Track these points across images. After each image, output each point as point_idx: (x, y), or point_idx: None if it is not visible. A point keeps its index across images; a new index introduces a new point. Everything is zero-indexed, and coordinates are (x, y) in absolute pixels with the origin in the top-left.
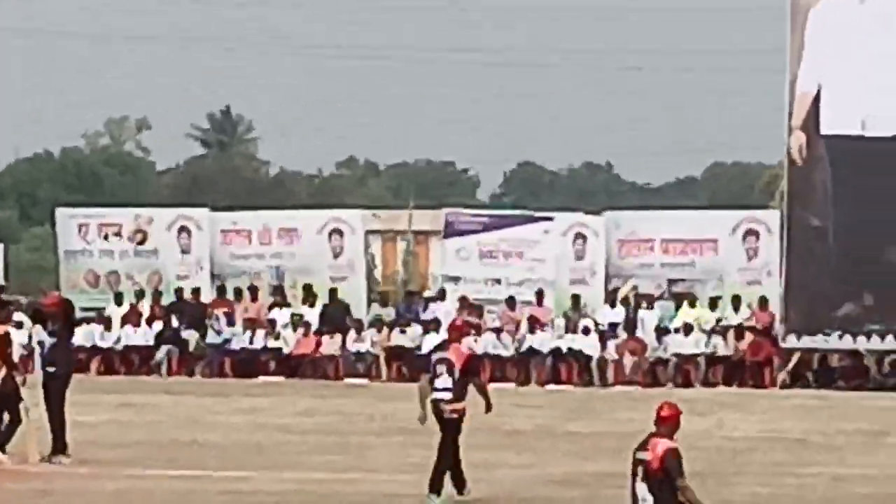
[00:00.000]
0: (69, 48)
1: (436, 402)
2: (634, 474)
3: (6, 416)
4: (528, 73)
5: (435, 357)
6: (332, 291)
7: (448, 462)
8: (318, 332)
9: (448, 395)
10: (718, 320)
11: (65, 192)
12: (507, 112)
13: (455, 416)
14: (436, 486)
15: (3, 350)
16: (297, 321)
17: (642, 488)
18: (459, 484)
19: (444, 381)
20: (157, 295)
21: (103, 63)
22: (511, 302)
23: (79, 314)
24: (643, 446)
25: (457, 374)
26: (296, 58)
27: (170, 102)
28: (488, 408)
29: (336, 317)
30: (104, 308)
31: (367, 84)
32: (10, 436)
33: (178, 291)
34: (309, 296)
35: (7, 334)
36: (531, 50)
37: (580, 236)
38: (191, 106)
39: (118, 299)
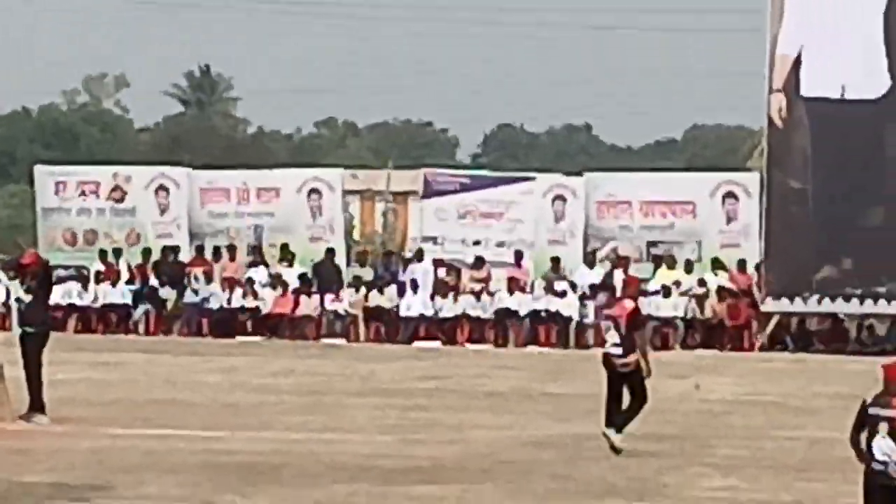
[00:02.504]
0: (48, 4)
1: (607, 356)
2: (872, 431)
3: None
4: (507, 34)
5: (604, 314)
6: (329, 251)
7: (619, 403)
8: (296, 292)
9: (619, 350)
10: (702, 282)
11: (43, 149)
12: (486, 73)
13: (627, 368)
14: (614, 422)
15: None
16: (275, 281)
17: (886, 443)
18: (620, 424)
19: (612, 336)
20: (147, 254)
21: (82, 20)
22: (479, 262)
23: (57, 272)
24: (884, 404)
25: (623, 329)
26: (275, 16)
27: (148, 60)
28: (646, 369)
29: (330, 276)
30: (82, 266)
31: (347, 43)
32: None
33: (161, 251)
34: (286, 255)
35: None
36: (510, 10)
37: (559, 198)
38: (169, 64)
39: (102, 257)
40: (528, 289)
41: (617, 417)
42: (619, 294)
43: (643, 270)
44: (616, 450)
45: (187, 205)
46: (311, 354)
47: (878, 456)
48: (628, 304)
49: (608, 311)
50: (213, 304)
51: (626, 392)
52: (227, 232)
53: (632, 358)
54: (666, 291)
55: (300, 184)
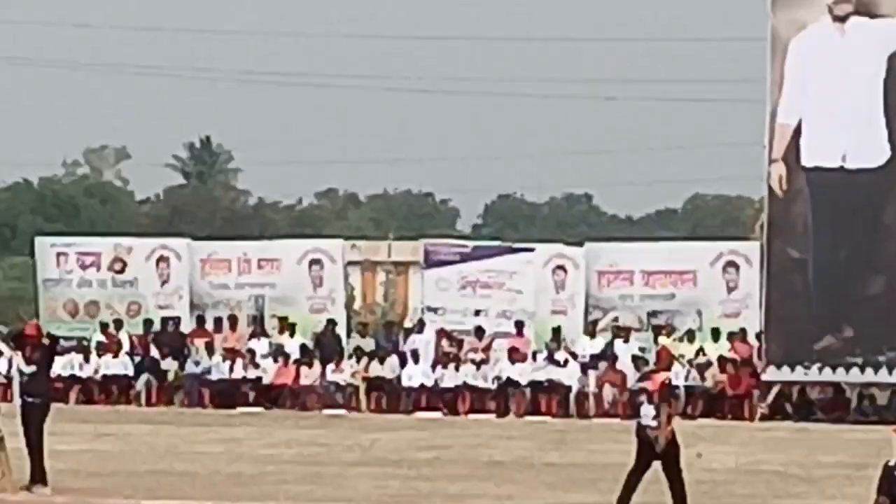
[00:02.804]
0: (47, 77)
1: (642, 427)
2: None
3: None
4: (507, 104)
5: (637, 387)
6: (330, 322)
7: (637, 481)
8: (298, 363)
9: (654, 423)
10: (699, 352)
11: (44, 221)
12: (486, 144)
13: (663, 441)
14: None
15: None
16: (276, 351)
17: None
18: None
19: (647, 408)
20: (148, 325)
21: (81, 92)
22: (479, 332)
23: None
24: None
25: (656, 401)
26: (275, 88)
27: (149, 132)
28: (665, 439)
29: (332, 347)
30: (84, 337)
31: (347, 115)
32: None
33: (161, 322)
34: (284, 326)
35: None
36: (510, 80)
37: (560, 268)
38: (170, 136)
39: (103, 328)
40: (529, 358)
41: None
42: (645, 367)
43: (643, 340)
44: None
45: (188, 276)
46: (312, 425)
47: None
48: (661, 375)
49: (641, 384)
50: (215, 375)
51: (653, 467)
52: (228, 303)
53: (667, 430)
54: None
55: (301, 254)
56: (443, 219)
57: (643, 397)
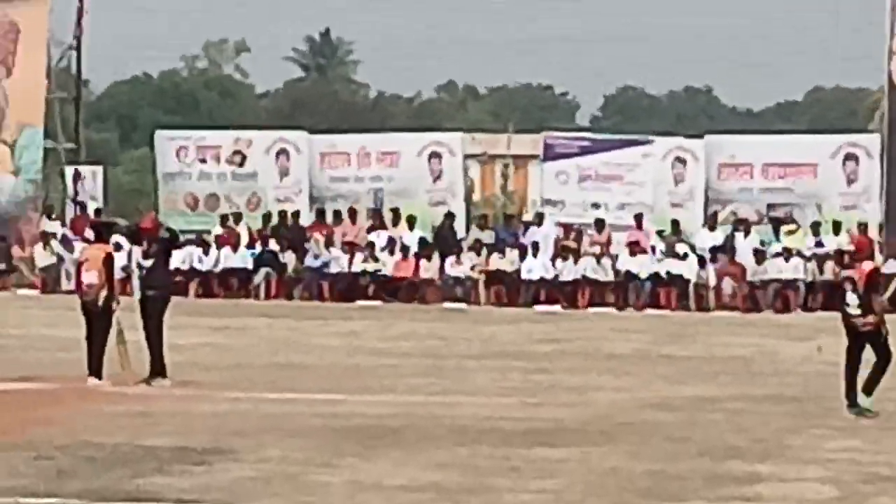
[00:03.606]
0: None
1: (847, 316)
2: None
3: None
4: None
5: (843, 275)
6: (449, 215)
7: (855, 373)
8: (417, 256)
9: (857, 311)
10: (818, 244)
11: (164, 114)
12: (607, 35)
13: (869, 328)
14: (850, 397)
15: (109, 270)
16: (396, 245)
17: None
18: (869, 389)
19: (851, 297)
20: (267, 218)
21: None
22: (599, 224)
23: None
24: None
25: (861, 290)
26: None
27: (269, 25)
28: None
29: (450, 240)
30: (203, 231)
31: (468, 7)
32: (101, 359)
33: (280, 215)
34: (398, 220)
35: (111, 255)
36: None
37: (680, 160)
38: (290, 29)
39: (223, 221)
40: (648, 251)
41: (865, 384)
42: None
43: (763, 233)
44: (870, 411)
45: (308, 169)
46: (431, 318)
47: None
48: (866, 265)
49: (846, 273)
50: (334, 269)
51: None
52: (348, 196)
53: (871, 318)
54: (787, 254)
55: (420, 148)
56: (562, 111)
57: (847, 286)
